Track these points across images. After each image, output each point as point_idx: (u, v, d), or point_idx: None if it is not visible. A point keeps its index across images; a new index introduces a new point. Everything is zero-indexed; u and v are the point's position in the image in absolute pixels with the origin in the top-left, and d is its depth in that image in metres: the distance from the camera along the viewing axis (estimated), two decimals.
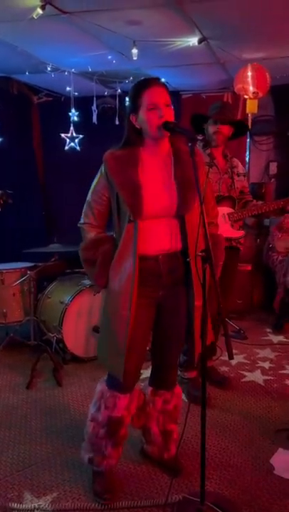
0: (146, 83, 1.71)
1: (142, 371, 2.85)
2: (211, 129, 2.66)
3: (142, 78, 1.76)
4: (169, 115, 1.69)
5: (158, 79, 1.75)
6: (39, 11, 2.61)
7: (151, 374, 2.03)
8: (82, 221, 1.88)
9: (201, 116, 2.74)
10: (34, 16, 2.64)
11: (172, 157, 1.79)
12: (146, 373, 2.11)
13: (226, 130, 2.66)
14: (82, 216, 1.88)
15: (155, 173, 1.75)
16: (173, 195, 1.73)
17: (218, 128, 2.63)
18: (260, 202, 2.86)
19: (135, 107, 1.71)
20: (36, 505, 1.84)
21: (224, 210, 2.70)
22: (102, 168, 1.79)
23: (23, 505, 1.84)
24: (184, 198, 1.73)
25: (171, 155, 1.79)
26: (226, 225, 2.70)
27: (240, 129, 2.77)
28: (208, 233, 1.66)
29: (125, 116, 1.79)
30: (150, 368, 2.02)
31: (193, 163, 1.60)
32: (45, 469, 2.07)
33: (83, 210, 1.88)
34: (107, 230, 1.91)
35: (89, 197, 1.86)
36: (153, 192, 1.71)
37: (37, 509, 1.82)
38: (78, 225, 1.90)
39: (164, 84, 1.74)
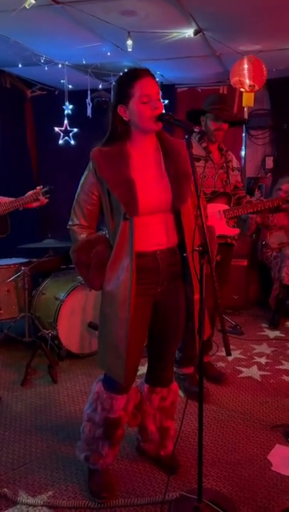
0: (138, 73, 1.64)
1: (139, 367, 2.84)
2: (212, 125, 2.60)
3: (131, 68, 1.68)
4: (161, 108, 1.65)
5: (148, 70, 1.67)
6: (31, 0, 2.56)
7: (147, 371, 2.00)
8: (71, 222, 1.79)
9: (200, 111, 2.66)
10: (26, 5, 2.58)
11: (161, 150, 1.75)
12: (142, 369, 2.08)
13: (226, 126, 2.62)
14: (72, 217, 1.79)
15: (146, 168, 1.71)
16: (167, 190, 1.70)
17: (220, 125, 2.58)
18: (253, 198, 2.84)
19: (125, 98, 1.64)
20: (32, 504, 1.81)
21: (220, 206, 2.68)
22: (90, 165, 1.71)
23: (18, 505, 1.81)
24: (179, 192, 1.70)
25: (159, 148, 1.75)
26: (221, 221, 2.67)
27: (234, 122, 2.74)
28: (203, 226, 1.63)
29: (109, 107, 1.70)
30: (146, 364, 2.00)
31: (190, 156, 1.57)
32: (40, 467, 2.05)
33: (72, 211, 1.79)
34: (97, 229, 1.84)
35: (78, 196, 1.77)
36: (147, 188, 1.67)
37: (32, 508, 1.79)
38: (68, 226, 1.81)
39: (154, 76, 1.69)
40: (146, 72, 1.66)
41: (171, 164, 1.72)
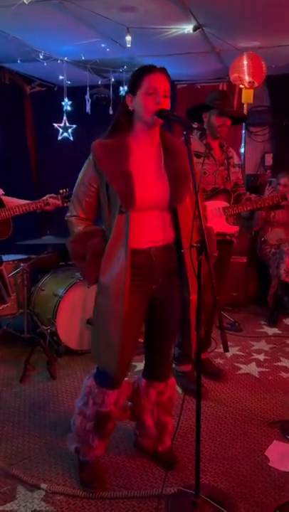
0: (151, 68, 1.68)
1: (136, 364, 2.85)
2: (216, 120, 2.58)
3: (149, 64, 1.73)
4: (166, 105, 1.66)
5: (164, 68, 1.71)
6: None
7: (144, 366, 2.01)
8: (69, 214, 1.81)
9: (205, 106, 2.65)
10: (25, 0, 2.57)
11: (162, 148, 1.75)
12: (140, 366, 2.09)
13: (230, 122, 2.62)
14: (70, 208, 1.81)
15: (146, 163, 1.71)
16: (165, 187, 1.70)
17: (224, 121, 2.57)
18: (253, 195, 2.82)
19: (134, 88, 1.68)
20: (30, 498, 1.82)
21: (220, 203, 2.67)
22: (91, 157, 1.73)
23: (17, 499, 1.82)
24: (177, 190, 1.70)
25: (160, 146, 1.76)
26: (220, 219, 2.66)
27: (237, 119, 2.73)
28: (201, 224, 1.63)
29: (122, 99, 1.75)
30: (143, 360, 2.00)
31: (188, 152, 1.57)
32: (38, 462, 2.06)
33: (70, 203, 1.82)
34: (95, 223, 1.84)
35: (76, 188, 1.79)
36: (145, 182, 1.67)
37: (30, 502, 1.80)
38: (66, 218, 1.82)
39: (168, 75, 1.71)
40: (159, 69, 1.69)
41: (171, 163, 1.73)
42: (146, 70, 1.68)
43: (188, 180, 1.71)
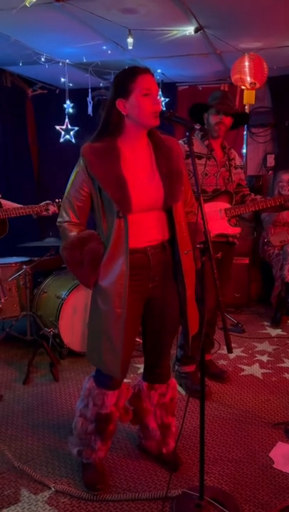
0: (140, 69, 1.67)
1: (139, 366, 2.84)
2: (213, 119, 2.58)
3: (132, 65, 1.71)
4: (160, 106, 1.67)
5: (149, 68, 1.70)
6: None
7: (144, 369, 2.01)
8: (61, 219, 1.77)
9: (202, 105, 2.66)
10: (27, 3, 2.57)
11: (152, 148, 1.75)
12: (141, 368, 2.08)
13: (228, 121, 2.60)
14: (61, 213, 1.77)
15: (137, 165, 1.71)
16: (159, 187, 1.70)
17: (221, 119, 2.56)
18: (258, 196, 2.81)
19: (126, 92, 1.65)
20: (33, 501, 1.82)
21: (221, 205, 2.66)
22: (81, 161, 1.71)
23: (20, 502, 1.81)
24: (171, 188, 1.70)
25: (150, 145, 1.75)
26: (222, 220, 2.65)
27: (239, 119, 2.72)
28: (191, 222, 1.67)
29: (105, 102, 1.71)
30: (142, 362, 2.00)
31: (191, 153, 1.57)
32: (42, 465, 2.05)
33: (61, 208, 1.78)
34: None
35: (67, 193, 1.76)
36: (139, 185, 1.67)
37: (34, 505, 1.80)
38: (57, 223, 1.78)
39: (154, 75, 1.72)
40: (147, 70, 1.69)
41: (163, 161, 1.72)
42: (136, 71, 1.66)
43: (182, 178, 1.73)
